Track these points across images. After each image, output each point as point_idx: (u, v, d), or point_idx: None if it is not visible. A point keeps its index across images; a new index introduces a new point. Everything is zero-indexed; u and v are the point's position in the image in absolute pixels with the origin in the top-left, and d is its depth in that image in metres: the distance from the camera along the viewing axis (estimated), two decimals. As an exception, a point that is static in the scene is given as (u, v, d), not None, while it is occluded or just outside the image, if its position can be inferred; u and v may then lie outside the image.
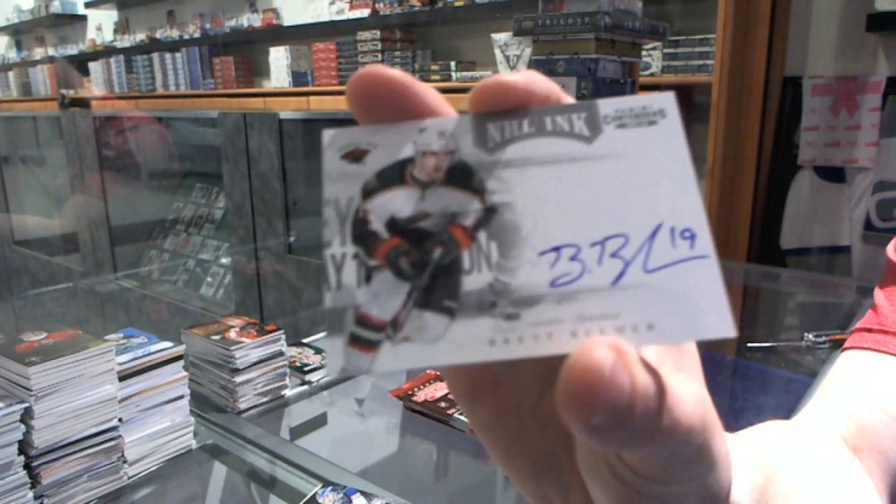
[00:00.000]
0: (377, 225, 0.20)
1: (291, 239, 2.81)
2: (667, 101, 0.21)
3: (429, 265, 0.19)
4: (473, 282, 0.19)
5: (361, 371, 0.19)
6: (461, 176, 0.20)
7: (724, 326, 0.18)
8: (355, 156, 0.21)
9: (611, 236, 0.19)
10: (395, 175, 0.20)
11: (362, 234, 0.20)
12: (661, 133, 0.20)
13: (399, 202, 0.20)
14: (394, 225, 0.20)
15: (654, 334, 0.18)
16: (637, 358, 0.17)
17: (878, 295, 0.49)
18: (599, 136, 0.20)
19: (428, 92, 0.21)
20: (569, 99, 0.22)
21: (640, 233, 0.19)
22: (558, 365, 0.17)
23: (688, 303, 0.18)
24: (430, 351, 0.19)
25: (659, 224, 0.19)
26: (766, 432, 0.36)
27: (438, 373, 1.26)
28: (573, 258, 0.19)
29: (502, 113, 0.21)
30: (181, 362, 1.03)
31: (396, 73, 0.20)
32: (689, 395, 0.18)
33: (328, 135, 0.21)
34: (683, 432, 0.18)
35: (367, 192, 0.20)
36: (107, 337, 1.02)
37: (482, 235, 0.19)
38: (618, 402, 0.16)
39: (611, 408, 0.16)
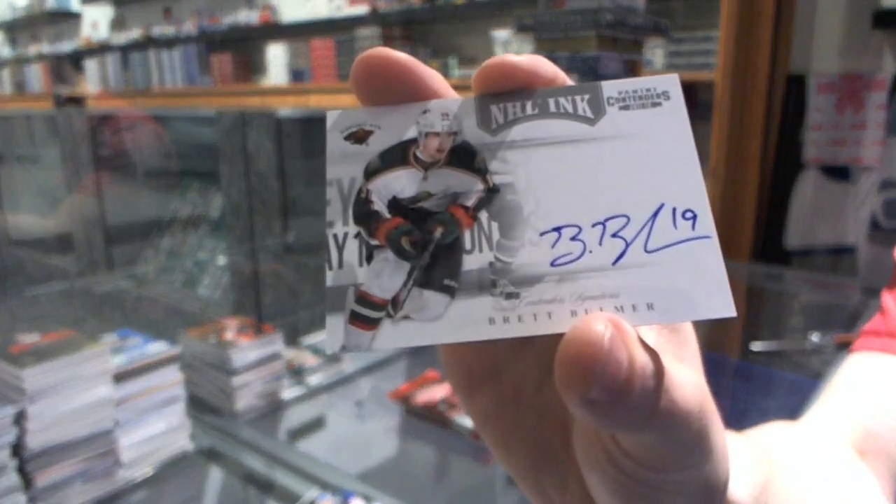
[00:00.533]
0: (379, 205, 0.20)
1: (290, 239, 2.80)
2: (670, 82, 0.21)
3: (430, 245, 0.20)
4: (474, 261, 0.19)
5: (361, 348, 0.19)
6: (464, 157, 0.20)
7: (724, 306, 0.18)
8: (358, 137, 0.21)
9: (612, 217, 0.19)
10: (397, 156, 0.21)
11: (364, 213, 0.20)
12: (665, 115, 0.20)
13: (401, 182, 0.20)
14: (396, 205, 0.20)
15: (654, 314, 0.18)
16: (636, 336, 0.17)
17: (886, 298, 0.49)
18: (603, 117, 0.20)
19: (432, 74, 0.21)
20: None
21: (642, 213, 0.19)
22: (556, 353, 0.17)
23: (688, 283, 0.18)
24: (431, 329, 0.19)
25: (661, 205, 0.19)
26: (770, 433, 0.36)
27: (438, 372, 1.24)
28: (574, 238, 0.19)
29: (506, 94, 0.21)
30: (177, 364, 1.02)
31: (401, 55, 0.20)
32: (688, 380, 0.19)
33: (332, 116, 0.21)
34: (681, 416, 0.18)
35: (370, 173, 0.21)
36: (102, 338, 1.01)
37: (484, 215, 0.20)
38: (615, 376, 0.16)
39: (608, 382, 0.16)
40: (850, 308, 1.65)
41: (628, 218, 0.19)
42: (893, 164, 1.86)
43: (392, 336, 0.19)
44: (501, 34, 2.88)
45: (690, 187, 0.19)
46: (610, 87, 0.21)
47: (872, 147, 1.87)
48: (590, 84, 0.21)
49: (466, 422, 1.08)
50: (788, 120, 1.98)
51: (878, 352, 0.45)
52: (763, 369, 1.28)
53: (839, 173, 1.94)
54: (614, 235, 0.19)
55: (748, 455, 0.29)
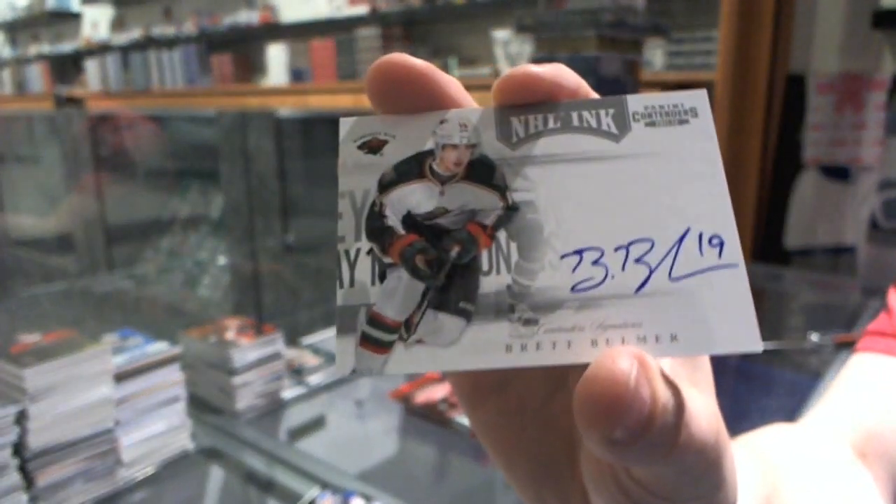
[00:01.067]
0: (393, 220, 0.19)
1: (290, 239, 2.80)
2: (699, 99, 0.20)
3: (446, 264, 0.19)
4: (491, 283, 0.18)
5: (373, 373, 0.18)
6: (482, 171, 0.19)
7: (750, 340, 0.17)
8: (373, 146, 0.20)
9: (636, 240, 0.18)
10: (413, 168, 0.20)
11: (378, 229, 0.19)
12: (692, 133, 0.19)
13: (417, 197, 0.19)
14: (411, 221, 0.19)
15: (678, 346, 0.17)
16: (659, 370, 0.17)
17: (893, 297, 0.49)
18: (628, 134, 0.19)
19: (450, 82, 0.20)
20: (597, 96, 0.21)
21: (667, 238, 0.18)
22: (565, 369, 0.17)
23: (714, 314, 0.17)
24: (445, 355, 0.18)
25: (687, 229, 0.18)
26: (770, 435, 0.36)
27: (442, 374, 1.24)
28: (596, 262, 0.18)
29: (527, 106, 0.20)
30: (178, 364, 1.02)
31: (418, 61, 0.20)
32: (705, 410, 0.18)
33: (345, 124, 0.20)
34: (697, 449, 0.17)
35: (384, 186, 0.20)
36: (103, 338, 1.01)
37: (502, 235, 0.19)
38: (639, 416, 0.16)
39: (631, 422, 0.16)
40: (850, 308, 1.65)
41: (652, 242, 0.18)
42: (893, 164, 1.86)
43: (404, 361, 0.18)
44: (501, 34, 2.88)
45: (718, 211, 0.19)
46: (635, 102, 0.20)
47: (872, 147, 1.87)
48: (615, 98, 0.20)
49: (467, 421, 1.08)
50: (788, 120, 1.98)
51: (882, 353, 0.45)
52: (763, 369, 1.28)
53: (839, 173, 1.94)
54: (638, 261, 0.18)
55: (752, 468, 0.29)
